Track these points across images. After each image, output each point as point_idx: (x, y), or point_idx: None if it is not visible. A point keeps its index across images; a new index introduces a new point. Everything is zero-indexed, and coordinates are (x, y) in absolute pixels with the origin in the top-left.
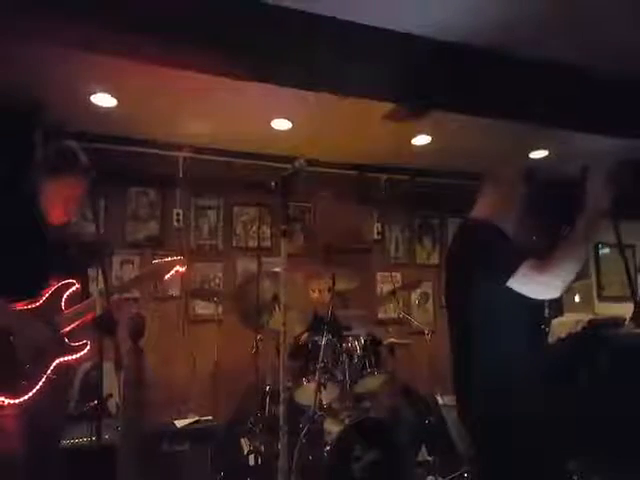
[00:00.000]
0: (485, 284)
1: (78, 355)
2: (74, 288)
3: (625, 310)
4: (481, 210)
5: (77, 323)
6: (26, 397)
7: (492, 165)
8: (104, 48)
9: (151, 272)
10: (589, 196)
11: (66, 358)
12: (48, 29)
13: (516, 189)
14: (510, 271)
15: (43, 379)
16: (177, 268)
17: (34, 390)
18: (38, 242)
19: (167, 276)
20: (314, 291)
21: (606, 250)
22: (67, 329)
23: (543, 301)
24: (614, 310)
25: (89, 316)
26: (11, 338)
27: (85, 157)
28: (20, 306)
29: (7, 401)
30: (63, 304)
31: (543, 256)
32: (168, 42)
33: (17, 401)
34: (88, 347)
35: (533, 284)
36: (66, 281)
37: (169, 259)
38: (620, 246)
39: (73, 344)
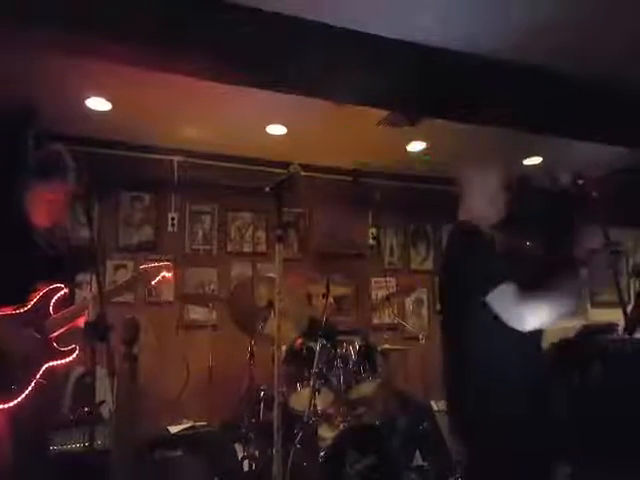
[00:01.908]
0: (471, 290)
1: (67, 359)
2: (62, 292)
3: (618, 316)
4: (467, 214)
5: (66, 327)
6: (16, 402)
7: (473, 167)
8: (101, 55)
9: (137, 278)
10: (590, 272)
11: (55, 362)
12: (46, 37)
13: (500, 191)
14: (493, 282)
15: (32, 384)
16: (164, 273)
17: (23, 395)
18: (25, 246)
19: (154, 282)
20: (311, 296)
21: None
22: (56, 333)
23: None
24: (607, 316)
25: (78, 320)
26: None
27: (72, 161)
28: (8, 310)
29: None
30: (51, 308)
31: (532, 270)
32: (164, 48)
33: (6, 406)
34: (77, 352)
35: (508, 311)
36: (54, 285)
37: (156, 264)
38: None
39: (62, 349)
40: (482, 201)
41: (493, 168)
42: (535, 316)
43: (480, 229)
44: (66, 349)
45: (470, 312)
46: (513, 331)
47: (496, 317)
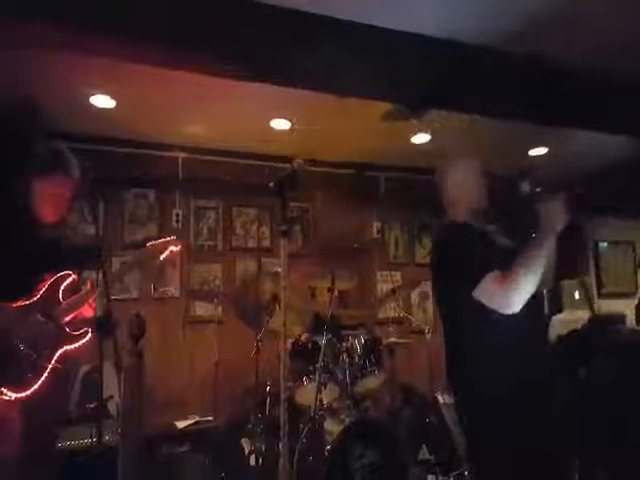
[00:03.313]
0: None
1: (80, 343)
2: (70, 279)
3: (625, 307)
4: (454, 210)
5: (76, 312)
6: (32, 389)
7: (451, 161)
8: (105, 52)
9: (146, 254)
10: (544, 213)
11: (69, 347)
12: (50, 35)
13: (478, 183)
14: (475, 278)
15: (48, 369)
16: (172, 248)
17: (40, 381)
18: (30, 242)
19: (162, 256)
20: (316, 291)
21: (605, 246)
22: (67, 319)
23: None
24: (614, 307)
25: (87, 305)
26: (12, 334)
27: (74, 158)
28: (19, 303)
29: (13, 395)
30: (61, 295)
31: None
32: (169, 44)
33: (23, 394)
34: (89, 335)
35: (495, 297)
36: (62, 273)
37: (162, 240)
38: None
39: (74, 333)
40: (463, 194)
41: (470, 160)
42: (520, 294)
43: (467, 225)
44: (78, 332)
45: (464, 310)
46: (511, 327)
47: (488, 313)
